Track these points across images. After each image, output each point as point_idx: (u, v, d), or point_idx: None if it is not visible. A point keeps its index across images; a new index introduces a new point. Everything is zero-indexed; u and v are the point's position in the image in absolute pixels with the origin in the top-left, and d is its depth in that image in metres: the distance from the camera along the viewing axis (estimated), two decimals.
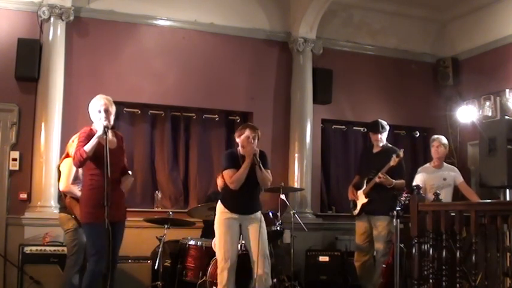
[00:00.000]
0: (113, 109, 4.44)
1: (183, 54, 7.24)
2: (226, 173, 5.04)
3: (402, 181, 5.96)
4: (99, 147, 4.22)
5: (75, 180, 5.10)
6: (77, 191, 4.96)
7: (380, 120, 6.26)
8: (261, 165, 4.92)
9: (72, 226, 5.19)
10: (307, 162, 7.46)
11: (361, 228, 6.13)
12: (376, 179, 5.82)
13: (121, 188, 4.56)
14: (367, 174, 6.07)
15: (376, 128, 6.15)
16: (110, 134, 4.31)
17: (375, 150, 6.21)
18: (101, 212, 4.13)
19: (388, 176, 5.82)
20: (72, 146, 5.30)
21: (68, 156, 5.20)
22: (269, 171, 5.10)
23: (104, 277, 4.17)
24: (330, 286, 6.88)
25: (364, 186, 6.07)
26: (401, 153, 5.78)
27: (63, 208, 5.30)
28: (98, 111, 4.37)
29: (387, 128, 6.21)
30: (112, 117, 4.43)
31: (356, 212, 6.16)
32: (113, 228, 4.14)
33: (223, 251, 4.94)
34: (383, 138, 6.15)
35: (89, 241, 4.40)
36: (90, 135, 4.30)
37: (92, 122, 4.47)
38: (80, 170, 4.82)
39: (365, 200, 6.03)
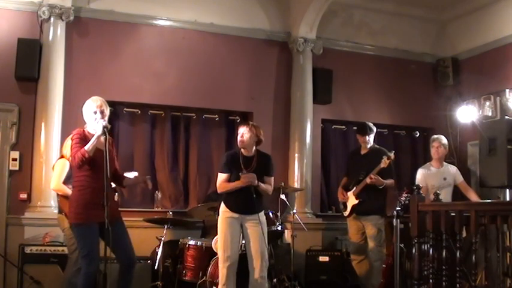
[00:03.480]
0: (107, 110, 4.44)
1: (183, 54, 7.24)
2: (219, 176, 5.11)
3: (392, 181, 6.10)
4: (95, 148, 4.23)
5: (69, 179, 5.12)
6: (68, 189, 4.98)
7: (367, 122, 6.40)
8: (259, 187, 4.97)
9: (67, 225, 5.21)
10: (307, 162, 7.46)
11: (355, 228, 6.21)
12: (367, 180, 5.89)
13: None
14: (356, 175, 6.15)
15: (363, 130, 6.27)
16: (104, 122, 4.31)
17: (363, 151, 6.30)
18: (91, 213, 4.13)
19: (379, 177, 5.90)
20: (66, 147, 5.35)
21: (62, 157, 5.23)
22: (272, 178, 5.12)
23: (104, 277, 4.17)
24: (330, 286, 6.88)
25: (354, 187, 6.11)
26: (392, 156, 5.86)
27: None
28: (94, 112, 4.37)
29: (374, 130, 6.34)
30: (106, 119, 4.43)
31: (346, 213, 6.24)
32: (111, 227, 4.14)
33: (223, 250, 4.97)
34: (370, 139, 6.26)
35: (79, 242, 4.36)
36: (84, 137, 4.30)
37: (85, 123, 4.47)
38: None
39: (355, 201, 6.09)
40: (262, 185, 5.01)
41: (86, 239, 4.23)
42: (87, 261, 4.21)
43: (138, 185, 6.85)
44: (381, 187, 5.98)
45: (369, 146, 6.25)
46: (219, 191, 5.09)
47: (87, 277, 4.21)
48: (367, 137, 6.22)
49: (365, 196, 6.02)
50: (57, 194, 5.22)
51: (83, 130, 4.39)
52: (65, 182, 5.28)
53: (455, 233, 4.27)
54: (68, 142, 5.35)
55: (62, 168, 5.13)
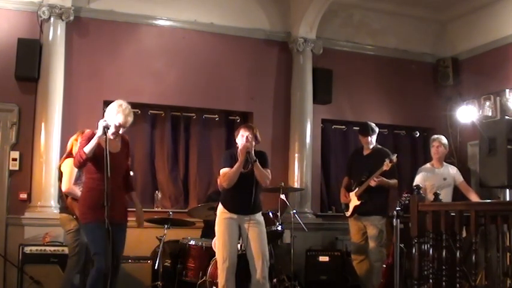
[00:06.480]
0: (130, 121, 4.41)
1: (183, 54, 7.24)
2: (222, 171, 5.07)
3: (395, 181, 6.11)
4: (100, 150, 4.21)
5: (77, 180, 5.10)
6: (78, 191, 4.96)
7: (369, 122, 6.36)
8: (257, 163, 4.92)
9: (73, 227, 5.20)
10: (307, 162, 7.46)
11: (356, 228, 6.22)
12: (372, 184, 5.88)
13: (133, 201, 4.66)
14: (358, 176, 6.15)
15: (366, 130, 6.25)
16: (111, 136, 4.32)
17: (365, 152, 6.29)
18: (98, 213, 4.13)
19: (382, 177, 5.91)
20: (75, 146, 5.32)
21: (69, 156, 5.21)
22: (269, 170, 5.11)
23: (104, 277, 4.17)
24: (330, 286, 6.88)
25: (356, 188, 6.12)
26: (394, 159, 5.88)
27: (65, 209, 5.31)
28: (115, 125, 4.32)
29: (376, 130, 6.32)
30: (123, 129, 4.42)
31: (348, 213, 6.24)
32: (113, 230, 4.14)
33: (222, 252, 4.94)
34: (373, 140, 6.25)
35: (89, 241, 4.44)
36: (92, 138, 4.29)
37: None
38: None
39: (357, 202, 6.09)
40: (259, 166, 4.96)
41: (96, 237, 4.25)
42: (98, 259, 4.23)
43: (138, 185, 6.87)
44: (387, 186, 6.00)
45: (371, 146, 6.24)
46: (225, 184, 4.99)
47: (99, 274, 4.21)
48: (369, 137, 6.20)
49: (367, 197, 6.02)
50: (66, 196, 5.21)
51: (93, 132, 4.33)
52: (74, 183, 5.26)
53: (455, 233, 4.27)
54: (79, 139, 5.34)
55: (71, 169, 5.11)
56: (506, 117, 6.76)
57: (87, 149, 4.20)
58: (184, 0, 7.30)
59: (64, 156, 5.37)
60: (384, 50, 8.19)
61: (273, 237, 5.85)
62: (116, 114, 4.34)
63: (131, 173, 4.85)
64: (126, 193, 4.68)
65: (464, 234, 4.51)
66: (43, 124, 6.42)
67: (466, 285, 4.40)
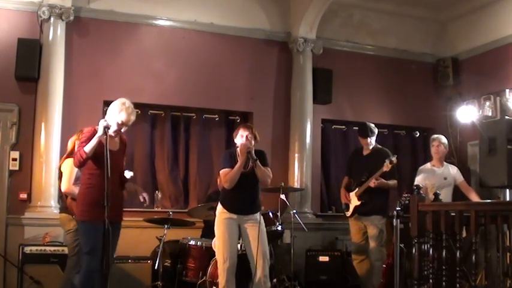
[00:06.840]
0: (133, 120, 4.40)
1: (183, 54, 7.24)
2: (222, 172, 5.06)
3: (395, 182, 6.12)
4: (100, 148, 4.21)
5: (77, 180, 5.10)
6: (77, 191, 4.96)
7: (368, 123, 6.36)
8: (258, 162, 4.92)
9: (73, 227, 5.19)
10: (307, 162, 7.46)
11: (356, 228, 6.23)
12: (371, 185, 5.89)
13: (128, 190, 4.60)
14: (358, 176, 6.16)
15: (365, 132, 6.25)
16: (113, 133, 4.31)
17: (365, 152, 6.30)
18: (96, 211, 4.12)
19: (382, 179, 5.93)
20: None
21: (69, 156, 5.21)
22: (269, 168, 5.11)
23: (103, 276, 4.16)
24: (330, 286, 6.88)
25: (356, 188, 6.13)
26: (394, 160, 5.89)
27: (64, 208, 5.31)
28: (117, 123, 4.31)
29: (376, 131, 6.31)
30: (125, 128, 4.42)
31: (349, 213, 6.25)
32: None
33: (222, 252, 4.94)
34: (372, 141, 6.25)
35: (82, 239, 4.38)
36: (93, 136, 4.28)
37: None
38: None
39: (358, 203, 6.10)
40: (260, 165, 4.97)
41: (90, 236, 4.22)
42: (89, 258, 4.21)
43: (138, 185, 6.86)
44: (386, 188, 6.02)
45: (371, 147, 6.25)
46: (226, 184, 4.98)
47: (88, 274, 4.20)
48: (368, 139, 6.21)
49: (367, 197, 6.03)
50: (66, 196, 5.21)
51: (94, 129, 4.31)
52: (74, 182, 5.26)
53: (455, 233, 4.27)
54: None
55: (71, 169, 5.11)
56: (506, 117, 6.76)
57: (88, 148, 4.19)
58: (184, 0, 7.30)
59: (64, 156, 5.36)
60: (384, 50, 8.20)
61: (273, 237, 5.85)
62: (118, 112, 4.33)
63: (131, 173, 4.84)
64: (123, 189, 4.67)
65: (464, 234, 4.51)
66: (43, 124, 6.42)
67: (466, 285, 4.40)
